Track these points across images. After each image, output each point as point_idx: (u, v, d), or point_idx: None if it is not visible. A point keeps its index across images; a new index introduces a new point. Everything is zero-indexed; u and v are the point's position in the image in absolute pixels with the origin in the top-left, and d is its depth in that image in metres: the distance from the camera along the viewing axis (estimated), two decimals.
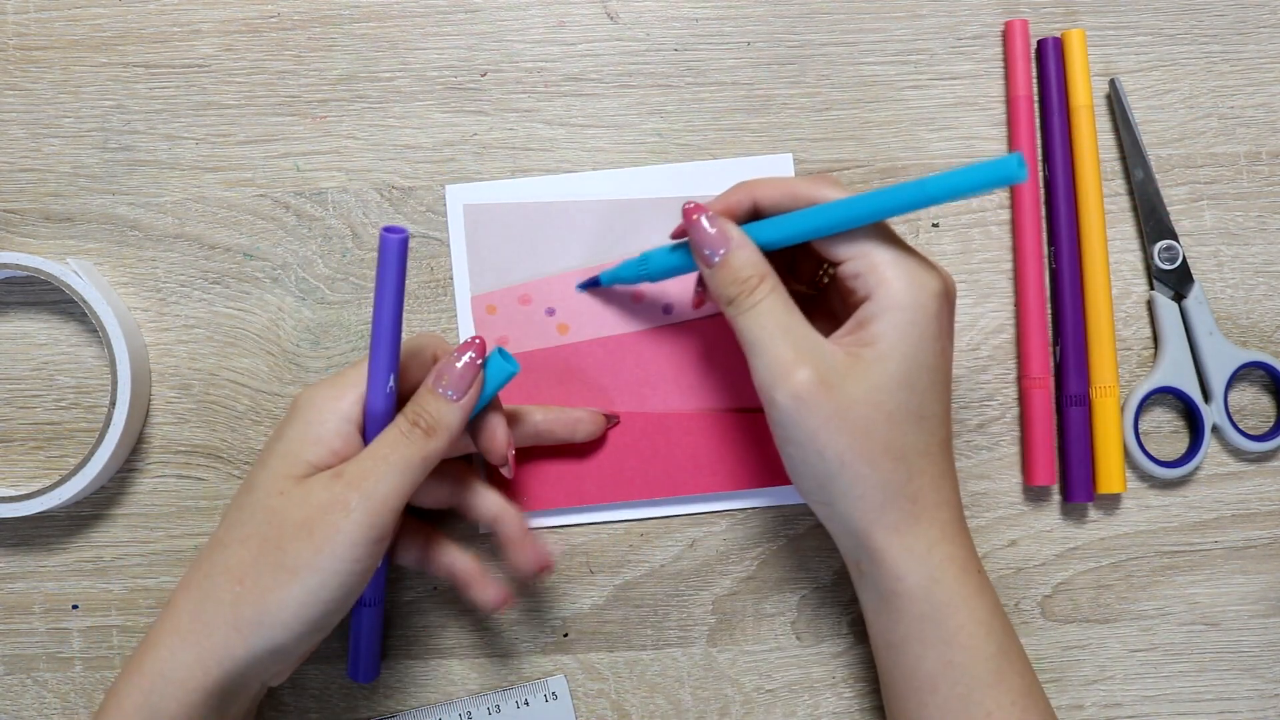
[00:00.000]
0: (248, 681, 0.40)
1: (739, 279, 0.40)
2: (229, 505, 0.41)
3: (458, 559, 0.45)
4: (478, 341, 0.41)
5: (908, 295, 0.39)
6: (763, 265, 0.41)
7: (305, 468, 0.40)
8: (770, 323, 0.40)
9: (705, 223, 0.41)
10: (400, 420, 0.40)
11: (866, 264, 0.40)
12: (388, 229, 0.39)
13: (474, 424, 0.43)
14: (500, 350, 0.42)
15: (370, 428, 0.41)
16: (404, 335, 0.47)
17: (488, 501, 0.44)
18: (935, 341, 0.40)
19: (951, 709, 0.40)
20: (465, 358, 0.40)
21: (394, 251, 0.39)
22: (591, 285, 0.48)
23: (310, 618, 0.38)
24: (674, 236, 0.46)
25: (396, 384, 0.41)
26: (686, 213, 0.41)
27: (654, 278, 0.46)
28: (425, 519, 0.47)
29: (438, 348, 0.43)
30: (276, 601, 0.38)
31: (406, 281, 0.49)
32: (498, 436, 0.43)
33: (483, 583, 0.44)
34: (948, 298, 0.40)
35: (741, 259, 0.41)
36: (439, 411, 0.40)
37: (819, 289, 0.46)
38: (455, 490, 0.45)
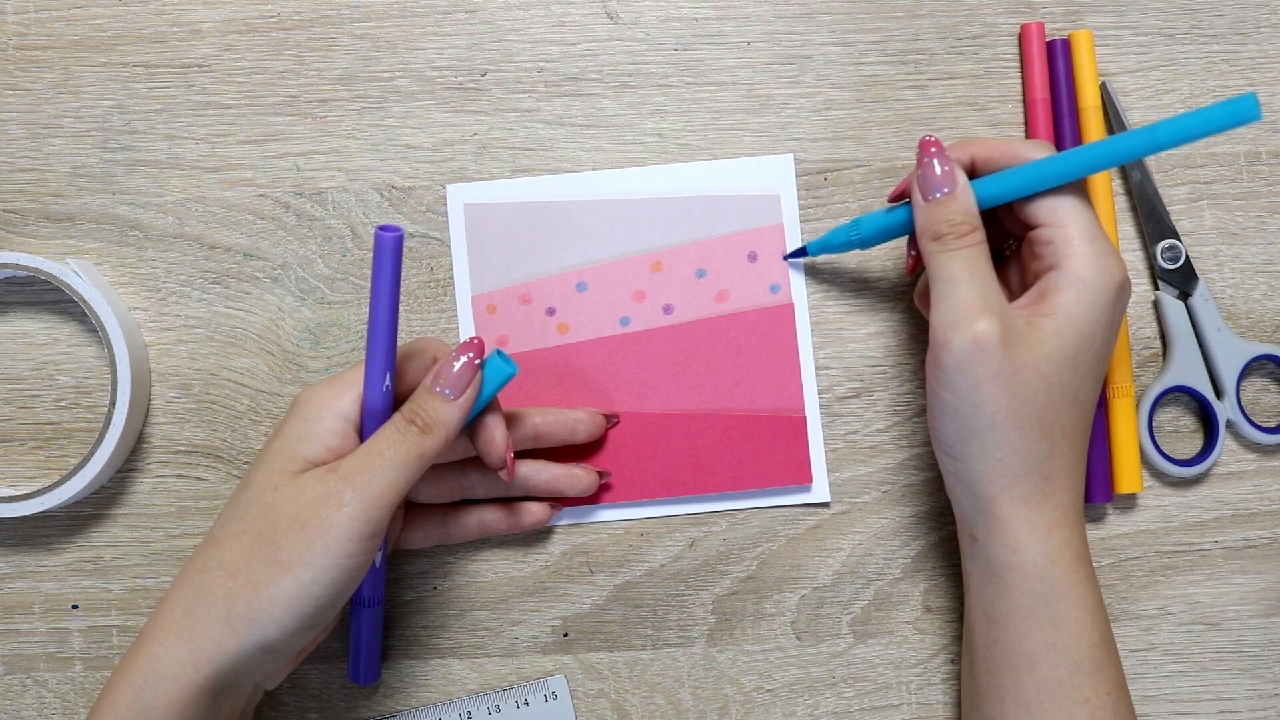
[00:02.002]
0: (240, 679, 0.40)
1: (953, 220, 0.41)
2: (226, 502, 0.41)
3: (487, 511, 0.46)
4: (477, 342, 0.41)
5: (1094, 274, 0.40)
6: (977, 216, 0.41)
7: (301, 464, 0.40)
8: (968, 268, 0.40)
9: (937, 162, 0.42)
10: (397, 418, 0.40)
11: (1062, 234, 0.41)
12: (383, 228, 0.39)
13: (472, 426, 0.43)
14: (499, 352, 0.42)
15: (367, 425, 0.41)
16: (404, 335, 0.47)
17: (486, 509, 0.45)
18: (1107, 329, 0.40)
19: (1049, 690, 0.40)
20: (464, 358, 0.41)
21: (389, 250, 0.39)
22: (799, 255, 0.48)
23: (303, 613, 0.38)
24: (892, 199, 0.47)
25: (393, 382, 0.41)
26: (924, 146, 0.42)
27: (866, 243, 0.46)
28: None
29: (437, 350, 0.43)
30: (269, 596, 0.38)
31: (405, 281, 0.49)
32: (496, 439, 0.43)
33: (519, 505, 0.46)
34: (1126, 290, 0.41)
35: (961, 203, 0.41)
36: (436, 410, 0.40)
37: (1002, 259, 0.46)
38: (453, 493, 0.45)
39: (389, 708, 0.48)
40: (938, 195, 0.41)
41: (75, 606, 0.49)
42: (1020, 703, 0.40)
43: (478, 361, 0.41)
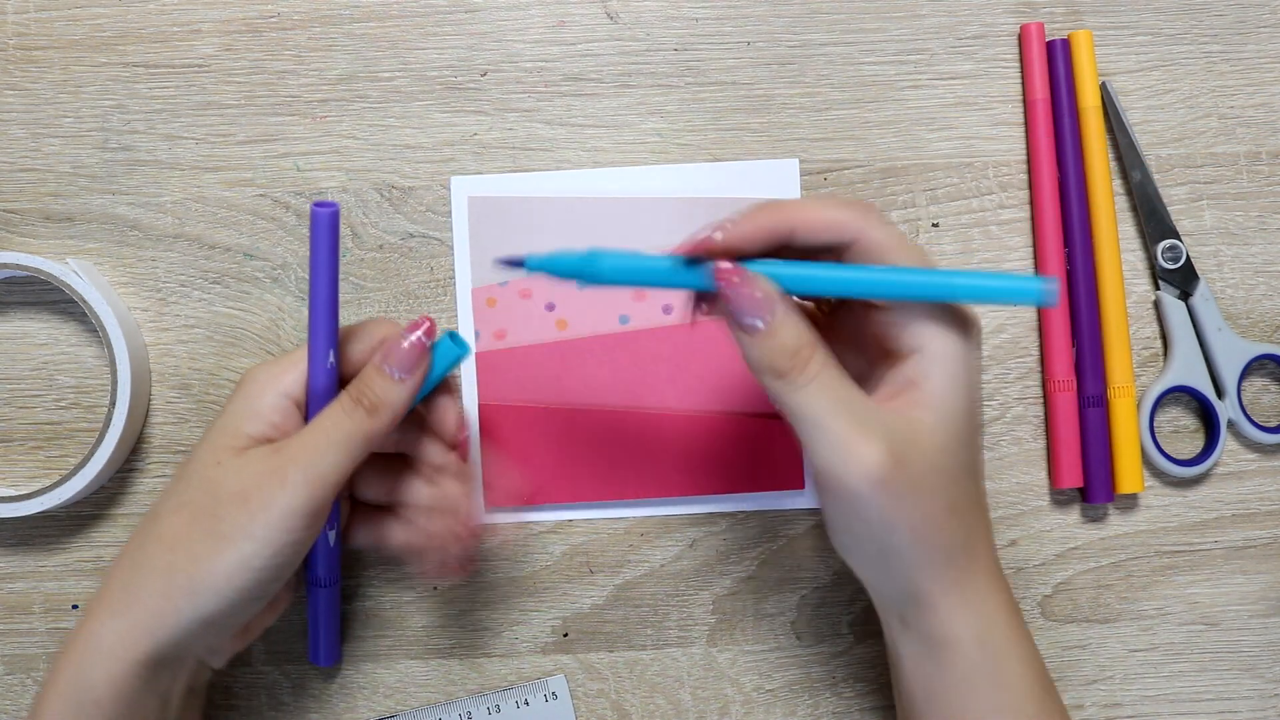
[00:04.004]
0: (181, 653, 0.40)
1: (788, 351, 0.36)
2: (174, 475, 0.41)
3: (413, 532, 0.44)
4: (426, 323, 0.41)
5: (956, 346, 0.37)
6: (809, 334, 0.37)
7: (244, 440, 0.40)
8: (828, 399, 0.36)
9: (746, 285, 0.37)
10: (344, 397, 0.40)
11: (910, 315, 0.37)
12: (318, 204, 0.39)
13: (425, 406, 0.42)
14: (451, 333, 0.41)
15: (312, 405, 0.41)
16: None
17: (424, 495, 0.43)
18: (975, 394, 0.39)
19: None
20: (412, 337, 0.40)
21: (325, 225, 0.39)
22: (514, 265, 0.39)
23: (242, 585, 0.38)
24: (677, 252, 0.39)
25: (337, 360, 0.41)
26: (724, 275, 0.37)
27: (598, 281, 0.38)
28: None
29: (386, 330, 0.42)
30: (208, 568, 0.38)
31: (405, 281, 0.49)
32: (448, 419, 0.42)
33: (436, 549, 0.43)
34: (979, 334, 0.39)
35: (790, 330, 0.37)
36: (383, 390, 0.40)
37: (824, 312, 0.43)
38: (394, 487, 0.44)
39: (389, 707, 0.48)
40: (759, 328, 0.36)
41: (75, 606, 0.49)
42: None
43: (426, 341, 0.40)
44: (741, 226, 0.38)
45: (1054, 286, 0.37)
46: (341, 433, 0.39)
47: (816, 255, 0.39)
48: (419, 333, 0.40)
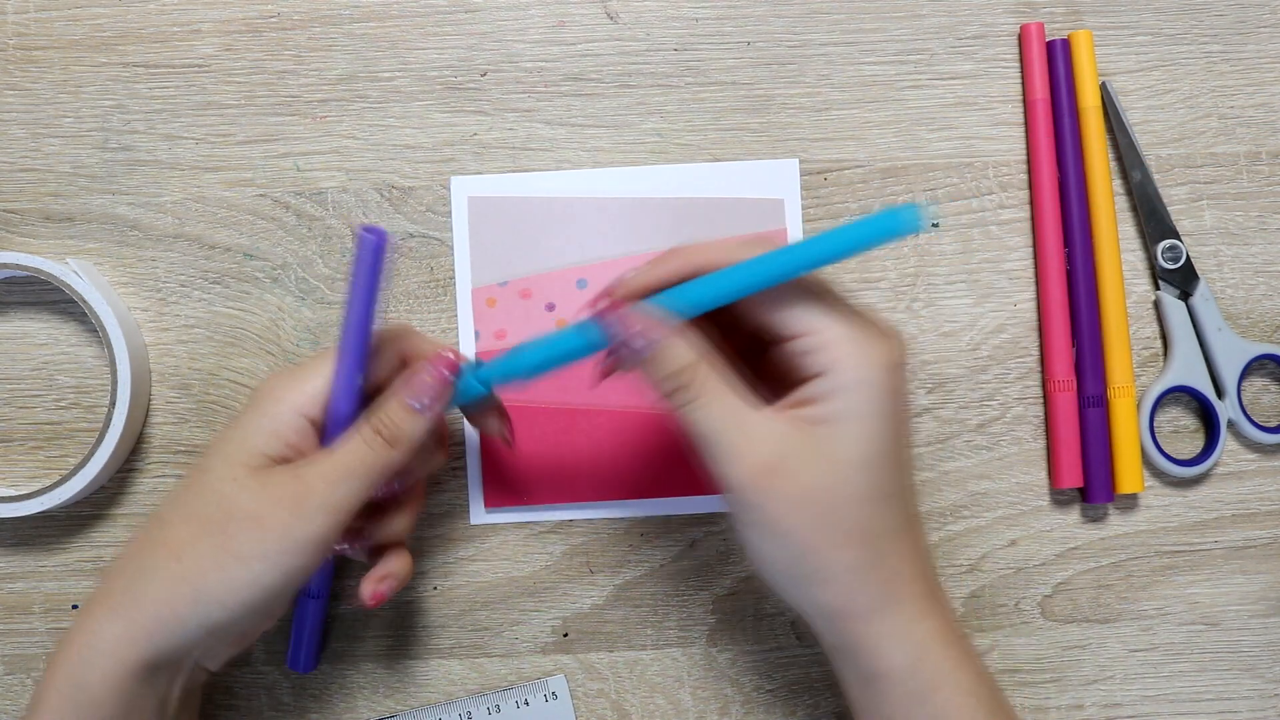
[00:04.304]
0: (179, 657, 0.39)
1: (673, 373, 0.38)
2: (176, 485, 0.41)
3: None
4: (451, 357, 0.41)
5: (862, 373, 0.37)
6: (693, 353, 0.38)
7: (261, 459, 0.39)
8: (716, 414, 0.37)
9: (624, 316, 0.38)
10: (365, 428, 0.40)
11: (817, 341, 0.37)
12: (366, 229, 0.38)
13: (471, 418, 0.43)
14: (475, 364, 0.41)
15: (332, 428, 0.41)
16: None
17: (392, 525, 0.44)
18: (891, 420, 0.37)
19: None
20: (437, 371, 0.40)
21: (370, 252, 0.39)
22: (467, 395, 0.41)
23: (250, 601, 0.38)
24: (588, 306, 0.40)
25: (363, 388, 0.41)
26: (602, 311, 0.39)
27: (529, 373, 0.40)
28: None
29: (410, 345, 0.42)
30: (216, 581, 0.38)
31: (405, 281, 0.49)
32: (492, 428, 0.44)
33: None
34: (902, 368, 0.38)
35: (674, 351, 0.38)
36: (404, 423, 0.40)
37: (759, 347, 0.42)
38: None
39: (389, 708, 0.48)
40: (645, 355, 0.38)
41: (75, 606, 0.49)
42: None
43: (450, 376, 0.40)
44: (641, 276, 0.39)
45: (929, 210, 0.35)
46: (362, 465, 0.39)
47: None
48: (445, 367, 0.40)
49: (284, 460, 0.40)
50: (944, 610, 0.39)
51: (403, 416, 0.40)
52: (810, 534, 0.37)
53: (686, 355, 0.38)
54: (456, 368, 0.41)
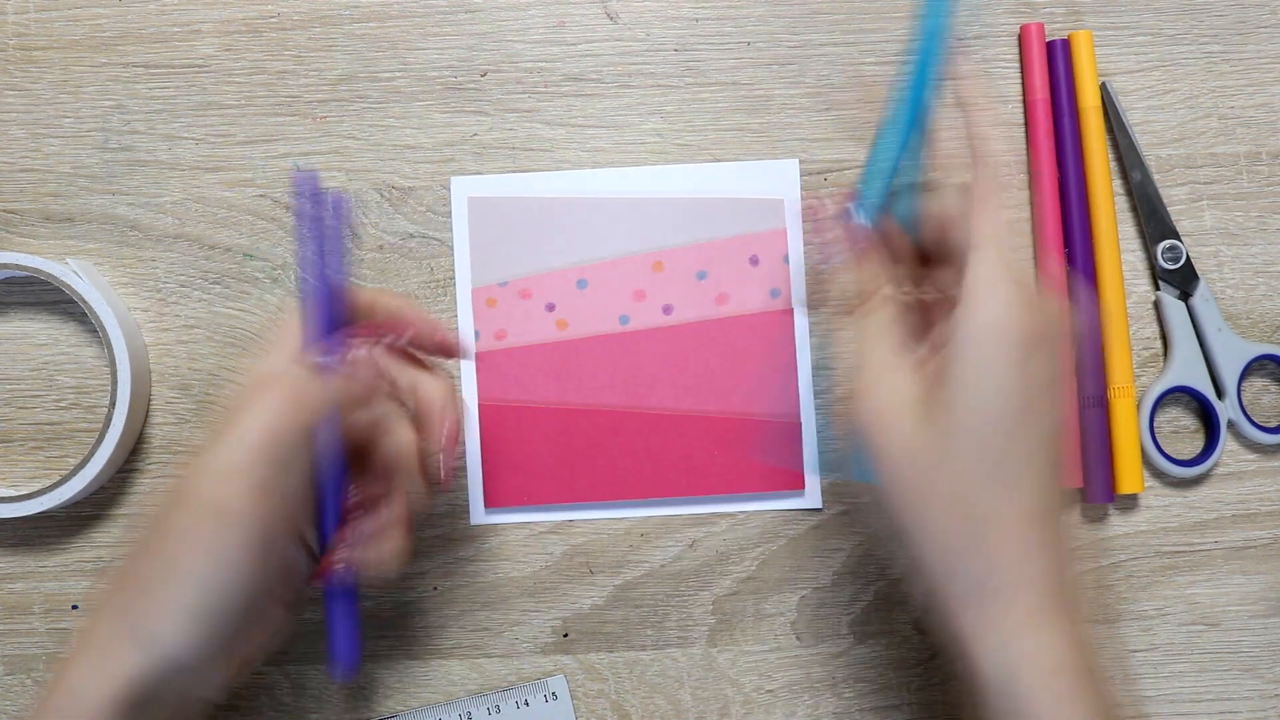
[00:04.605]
0: (159, 694, 0.37)
1: (859, 287, 0.39)
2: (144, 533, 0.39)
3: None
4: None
5: (992, 319, 0.34)
6: (881, 276, 0.39)
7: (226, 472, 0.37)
8: (872, 334, 0.38)
9: (825, 227, 0.40)
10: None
11: (966, 275, 0.36)
12: (300, 170, 0.38)
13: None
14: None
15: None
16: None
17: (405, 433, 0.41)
18: (1014, 393, 0.34)
19: None
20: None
21: (309, 198, 0.38)
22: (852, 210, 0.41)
23: (201, 631, 0.36)
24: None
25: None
26: (811, 209, 0.41)
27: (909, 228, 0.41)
28: None
29: (383, 303, 0.41)
30: (161, 611, 0.36)
31: (405, 281, 0.49)
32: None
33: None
34: (1040, 341, 0.35)
35: (865, 269, 0.39)
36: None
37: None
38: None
39: (389, 708, 0.48)
40: (837, 262, 0.40)
41: (75, 607, 0.49)
42: None
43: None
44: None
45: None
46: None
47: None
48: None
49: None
50: (1060, 631, 0.34)
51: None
52: (903, 493, 0.35)
53: (874, 275, 0.39)
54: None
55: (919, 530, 0.35)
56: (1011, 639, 0.34)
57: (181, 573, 0.36)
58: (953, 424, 0.34)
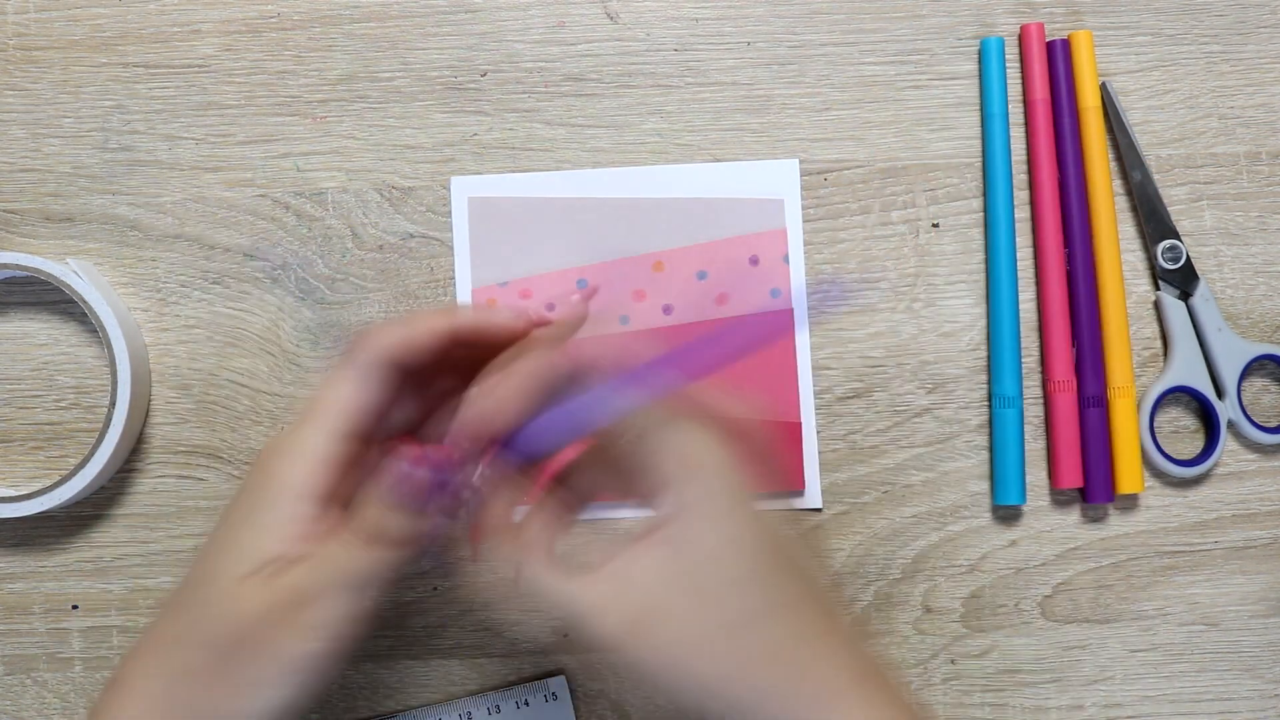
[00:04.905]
0: None
1: (497, 533, 0.36)
2: (184, 585, 0.37)
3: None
4: (418, 453, 0.36)
5: (705, 465, 0.34)
6: (509, 513, 0.36)
7: (262, 564, 0.36)
8: (551, 577, 0.35)
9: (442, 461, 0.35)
10: (344, 532, 0.36)
11: (650, 461, 0.35)
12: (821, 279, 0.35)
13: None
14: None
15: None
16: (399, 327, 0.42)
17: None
18: (745, 516, 0.34)
19: None
20: (404, 468, 0.36)
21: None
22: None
23: (284, 717, 0.36)
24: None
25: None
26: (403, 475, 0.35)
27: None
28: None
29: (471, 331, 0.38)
30: (246, 713, 0.35)
31: (405, 281, 0.49)
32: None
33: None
34: (733, 461, 0.35)
35: (495, 509, 0.36)
36: (383, 520, 0.36)
37: None
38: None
39: (389, 708, 0.48)
40: (468, 503, 0.36)
41: (75, 607, 0.49)
42: None
43: (426, 472, 0.36)
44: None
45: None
46: (351, 573, 0.35)
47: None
48: (411, 463, 0.35)
49: (293, 555, 0.36)
50: (903, 707, 0.34)
51: (380, 514, 0.36)
52: (706, 672, 0.33)
53: (504, 516, 0.36)
54: (432, 464, 0.36)
55: (736, 694, 0.33)
56: None
57: (259, 679, 0.35)
58: (718, 581, 0.33)
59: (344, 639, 0.36)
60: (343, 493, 0.37)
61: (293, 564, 0.35)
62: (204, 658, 0.36)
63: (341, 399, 0.36)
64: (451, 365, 0.38)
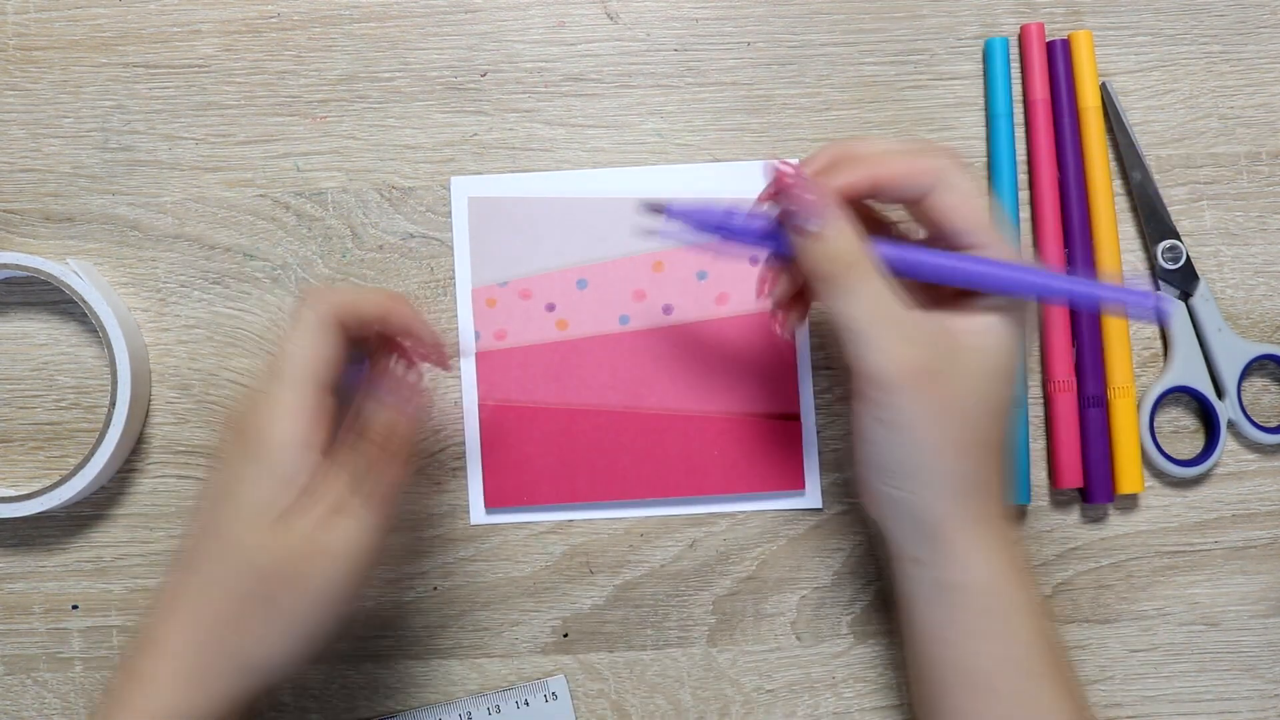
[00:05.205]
0: (245, 706, 0.40)
1: (839, 258, 0.38)
2: (194, 545, 0.39)
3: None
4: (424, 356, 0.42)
5: (999, 355, 0.39)
6: (861, 245, 0.38)
7: (278, 511, 0.38)
8: (871, 306, 0.38)
9: (802, 188, 0.38)
10: (364, 446, 0.40)
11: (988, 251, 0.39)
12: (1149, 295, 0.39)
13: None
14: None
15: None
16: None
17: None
18: (1023, 339, 0.40)
19: (1010, 703, 0.39)
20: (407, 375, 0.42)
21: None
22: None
23: (312, 651, 0.39)
24: (762, 200, 0.41)
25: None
26: (780, 175, 0.38)
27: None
28: None
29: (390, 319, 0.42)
30: (281, 649, 0.38)
31: (405, 281, 0.49)
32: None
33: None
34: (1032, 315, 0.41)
35: (843, 238, 0.38)
36: (396, 426, 0.41)
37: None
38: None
39: (389, 708, 0.48)
40: (811, 229, 0.38)
41: (75, 607, 0.49)
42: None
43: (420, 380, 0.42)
44: (820, 178, 0.39)
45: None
46: (379, 494, 0.40)
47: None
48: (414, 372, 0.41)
49: (301, 502, 0.38)
50: (1018, 536, 0.41)
51: (391, 420, 0.41)
52: (944, 440, 0.38)
53: (854, 244, 0.38)
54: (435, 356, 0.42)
55: (948, 467, 0.39)
56: (999, 547, 0.40)
57: (297, 614, 0.38)
58: (990, 373, 0.39)
59: (362, 569, 0.39)
60: (319, 439, 0.39)
61: (305, 508, 0.38)
62: (235, 607, 0.38)
63: (305, 353, 0.39)
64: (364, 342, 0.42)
